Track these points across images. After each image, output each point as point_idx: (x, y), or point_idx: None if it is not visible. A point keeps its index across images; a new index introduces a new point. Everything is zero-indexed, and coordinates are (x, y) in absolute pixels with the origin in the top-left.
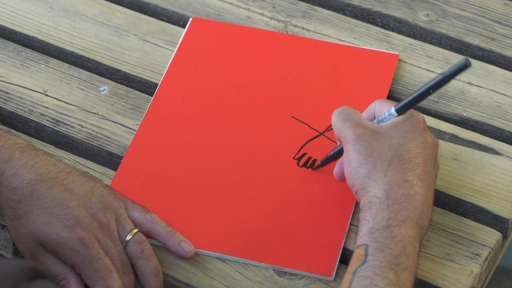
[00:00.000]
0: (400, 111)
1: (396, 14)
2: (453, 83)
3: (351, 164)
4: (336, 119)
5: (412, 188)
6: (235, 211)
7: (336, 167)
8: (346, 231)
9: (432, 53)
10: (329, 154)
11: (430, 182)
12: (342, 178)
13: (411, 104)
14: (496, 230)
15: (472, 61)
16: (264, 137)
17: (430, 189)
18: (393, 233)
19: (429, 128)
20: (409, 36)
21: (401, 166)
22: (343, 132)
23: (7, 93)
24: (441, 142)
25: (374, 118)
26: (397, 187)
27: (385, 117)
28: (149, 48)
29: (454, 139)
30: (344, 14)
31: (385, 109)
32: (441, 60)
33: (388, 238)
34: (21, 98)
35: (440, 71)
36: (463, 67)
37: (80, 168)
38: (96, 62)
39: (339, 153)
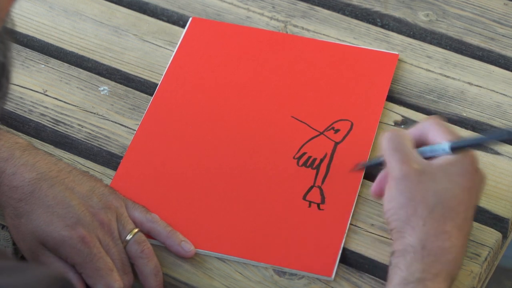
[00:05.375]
0: (455, 151)
1: (396, 14)
2: (453, 83)
3: (392, 202)
4: (386, 145)
5: (449, 240)
6: (235, 211)
7: (375, 185)
8: (346, 231)
9: (431, 53)
10: (373, 162)
11: (467, 230)
12: (379, 196)
13: (469, 147)
14: (496, 230)
15: (472, 61)
16: (264, 136)
17: (466, 238)
18: (426, 287)
19: None
20: (408, 36)
21: (442, 214)
22: (391, 164)
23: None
24: None
25: (425, 140)
26: (434, 238)
27: (437, 152)
28: (148, 48)
29: None
30: (344, 14)
31: (439, 138)
32: (441, 60)
33: None
34: (21, 98)
35: (440, 71)
36: None
37: (80, 168)
38: (96, 62)
39: (382, 164)
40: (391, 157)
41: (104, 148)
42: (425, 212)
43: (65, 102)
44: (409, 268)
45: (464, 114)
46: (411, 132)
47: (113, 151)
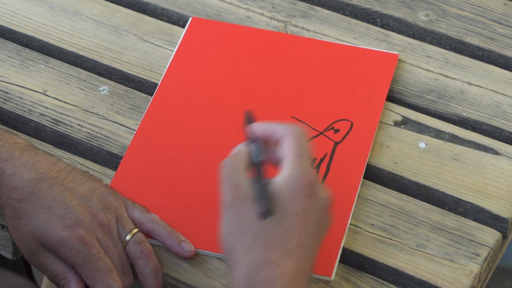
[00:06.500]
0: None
1: (396, 14)
2: (453, 83)
3: (222, 229)
4: (222, 170)
5: (275, 270)
6: None
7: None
8: (346, 231)
9: (431, 53)
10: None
11: (304, 254)
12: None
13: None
14: (496, 230)
15: (472, 61)
16: None
17: (304, 263)
18: None
19: (429, 128)
20: (408, 36)
21: (266, 242)
22: (222, 190)
23: (7, 93)
24: (440, 142)
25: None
26: (258, 269)
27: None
28: (148, 48)
29: (454, 139)
30: (344, 14)
31: (286, 153)
32: (441, 60)
33: None
34: (21, 98)
35: (439, 71)
36: None
37: (80, 168)
38: (96, 62)
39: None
40: (223, 184)
41: (104, 148)
42: (249, 241)
43: (65, 102)
44: None
45: (464, 114)
46: (263, 131)
47: (113, 151)
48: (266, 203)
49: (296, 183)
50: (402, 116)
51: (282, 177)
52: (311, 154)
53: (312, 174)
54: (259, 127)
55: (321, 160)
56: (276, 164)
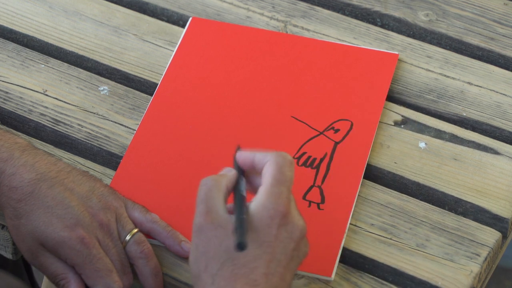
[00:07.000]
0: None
1: (396, 14)
2: (453, 83)
3: (191, 254)
4: (199, 189)
5: None
6: None
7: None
8: (346, 231)
9: (431, 53)
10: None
11: (272, 284)
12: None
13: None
14: (496, 229)
15: (472, 60)
16: (264, 136)
17: None
18: None
19: (429, 128)
20: (408, 36)
21: (231, 271)
22: (195, 214)
23: (7, 92)
24: (441, 142)
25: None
26: None
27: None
28: (148, 48)
29: (454, 139)
30: (344, 14)
31: (263, 182)
32: (441, 60)
33: None
34: (21, 98)
35: (439, 71)
36: None
37: (80, 167)
38: (96, 62)
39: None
40: (197, 207)
41: (104, 148)
42: (215, 269)
43: (65, 102)
44: None
45: (464, 114)
46: (246, 160)
47: (113, 151)
48: (244, 235)
49: (267, 212)
50: (402, 116)
51: (255, 206)
52: (291, 182)
53: (286, 204)
54: (243, 156)
55: (321, 160)
56: (255, 191)
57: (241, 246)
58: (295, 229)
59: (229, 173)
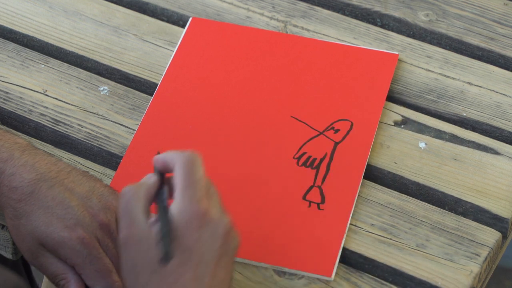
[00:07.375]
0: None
1: (396, 14)
2: (453, 83)
3: (122, 267)
4: (119, 201)
5: None
6: (234, 211)
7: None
8: (346, 231)
9: (431, 53)
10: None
11: (204, 284)
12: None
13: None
14: (496, 230)
15: (472, 61)
16: (263, 136)
17: None
18: None
19: (429, 128)
20: (408, 36)
21: (160, 281)
22: (119, 226)
23: (7, 93)
24: (441, 142)
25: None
26: None
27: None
28: (148, 48)
29: (454, 139)
30: (344, 14)
31: (176, 184)
32: (441, 60)
33: None
34: (21, 98)
35: (439, 71)
36: None
37: (80, 168)
38: (96, 62)
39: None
40: (119, 221)
41: (104, 148)
42: (143, 282)
43: (65, 102)
44: None
45: (464, 114)
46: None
47: (113, 151)
48: (168, 246)
49: (185, 216)
50: (402, 116)
51: (173, 212)
52: (203, 180)
53: (202, 205)
54: (160, 160)
55: (321, 160)
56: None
57: (166, 259)
58: (218, 226)
59: (149, 180)
